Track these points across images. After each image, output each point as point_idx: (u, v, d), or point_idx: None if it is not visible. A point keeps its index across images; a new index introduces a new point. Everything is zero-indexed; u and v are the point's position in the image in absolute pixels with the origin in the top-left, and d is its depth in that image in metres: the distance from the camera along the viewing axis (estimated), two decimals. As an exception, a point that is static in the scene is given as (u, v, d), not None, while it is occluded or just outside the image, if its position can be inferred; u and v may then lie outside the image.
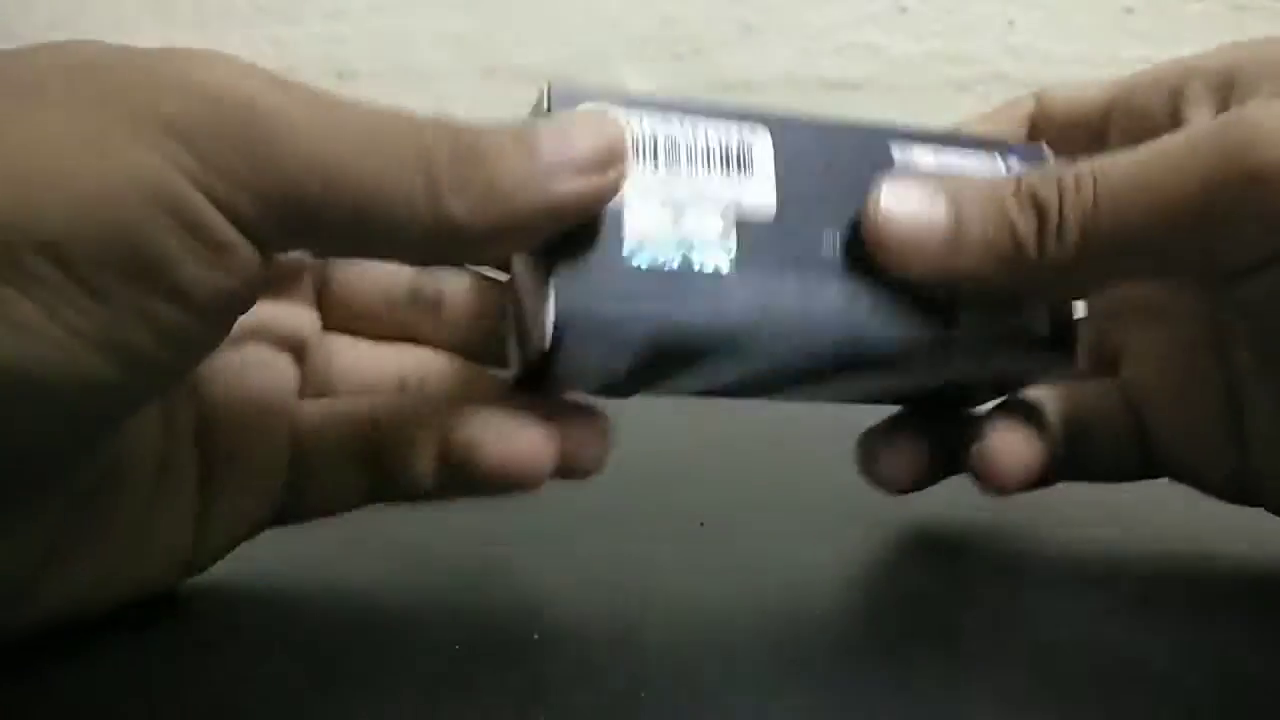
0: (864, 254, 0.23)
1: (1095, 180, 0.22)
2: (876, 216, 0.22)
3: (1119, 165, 0.22)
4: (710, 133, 0.23)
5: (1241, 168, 0.20)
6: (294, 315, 0.25)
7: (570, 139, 0.19)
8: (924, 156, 0.25)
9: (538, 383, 0.23)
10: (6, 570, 0.18)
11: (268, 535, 0.24)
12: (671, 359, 0.22)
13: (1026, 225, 0.22)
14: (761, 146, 0.23)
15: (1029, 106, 0.28)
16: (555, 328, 0.21)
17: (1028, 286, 0.23)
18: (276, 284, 0.25)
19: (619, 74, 0.62)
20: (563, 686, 0.20)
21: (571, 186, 0.19)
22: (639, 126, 0.23)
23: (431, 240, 0.18)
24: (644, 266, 0.22)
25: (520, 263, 0.24)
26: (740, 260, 0.22)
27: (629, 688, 0.20)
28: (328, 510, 0.24)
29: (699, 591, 0.25)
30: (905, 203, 0.22)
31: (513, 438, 0.22)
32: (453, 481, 0.23)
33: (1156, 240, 0.22)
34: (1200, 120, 0.24)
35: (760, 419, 0.41)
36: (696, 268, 0.22)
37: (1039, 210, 0.22)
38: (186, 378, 0.21)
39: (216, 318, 0.18)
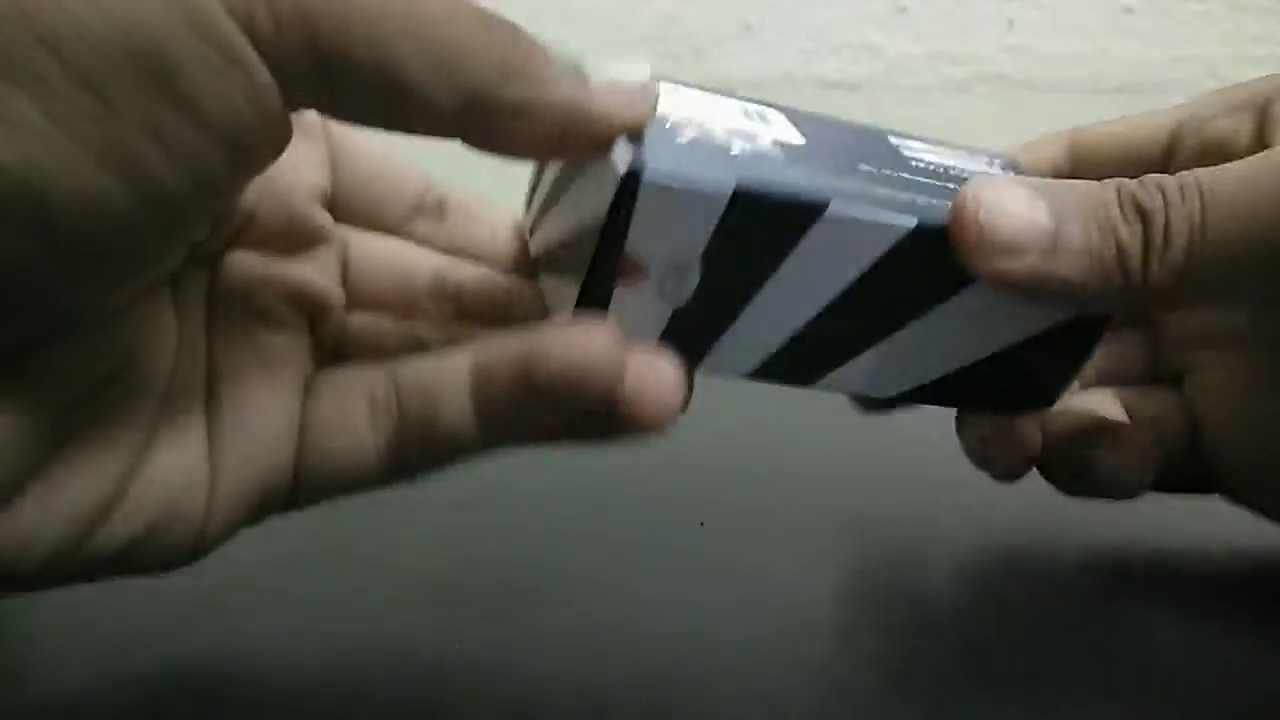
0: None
1: (1202, 193, 0.20)
2: (976, 214, 0.21)
3: (1227, 179, 0.20)
4: (732, 102, 0.24)
5: None
6: (318, 276, 0.23)
7: (616, 82, 0.19)
8: (919, 145, 0.25)
9: (601, 288, 0.21)
10: None
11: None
12: (744, 242, 0.20)
13: (1131, 235, 0.21)
14: (776, 116, 0.24)
15: (1062, 145, 0.27)
16: (627, 178, 0.19)
17: (1123, 298, 0.22)
18: (299, 249, 0.23)
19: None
20: (563, 688, 0.20)
21: (607, 100, 0.19)
22: (671, 87, 0.23)
23: (460, 112, 0.18)
24: (705, 146, 0.21)
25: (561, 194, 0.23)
26: (790, 157, 0.22)
27: (629, 689, 0.20)
28: (345, 481, 0.22)
29: (699, 592, 0.25)
30: (1004, 202, 0.21)
31: (585, 335, 0.19)
32: (496, 415, 0.20)
33: (1269, 263, 0.20)
34: None
35: (761, 419, 0.41)
36: (754, 150, 0.21)
37: (1144, 219, 0.21)
38: (199, 227, 0.19)
39: (232, 150, 0.16)
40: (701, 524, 0.30)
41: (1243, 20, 0.60)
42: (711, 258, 0.21)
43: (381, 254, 0.25)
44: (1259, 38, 0.60)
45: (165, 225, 0.17)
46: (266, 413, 0.21)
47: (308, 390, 0.22)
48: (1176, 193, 0.20)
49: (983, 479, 0.29)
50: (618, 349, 0.19)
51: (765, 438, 0.39)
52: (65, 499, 0.18)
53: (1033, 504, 0.31)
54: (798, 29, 0.62)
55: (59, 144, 0.15)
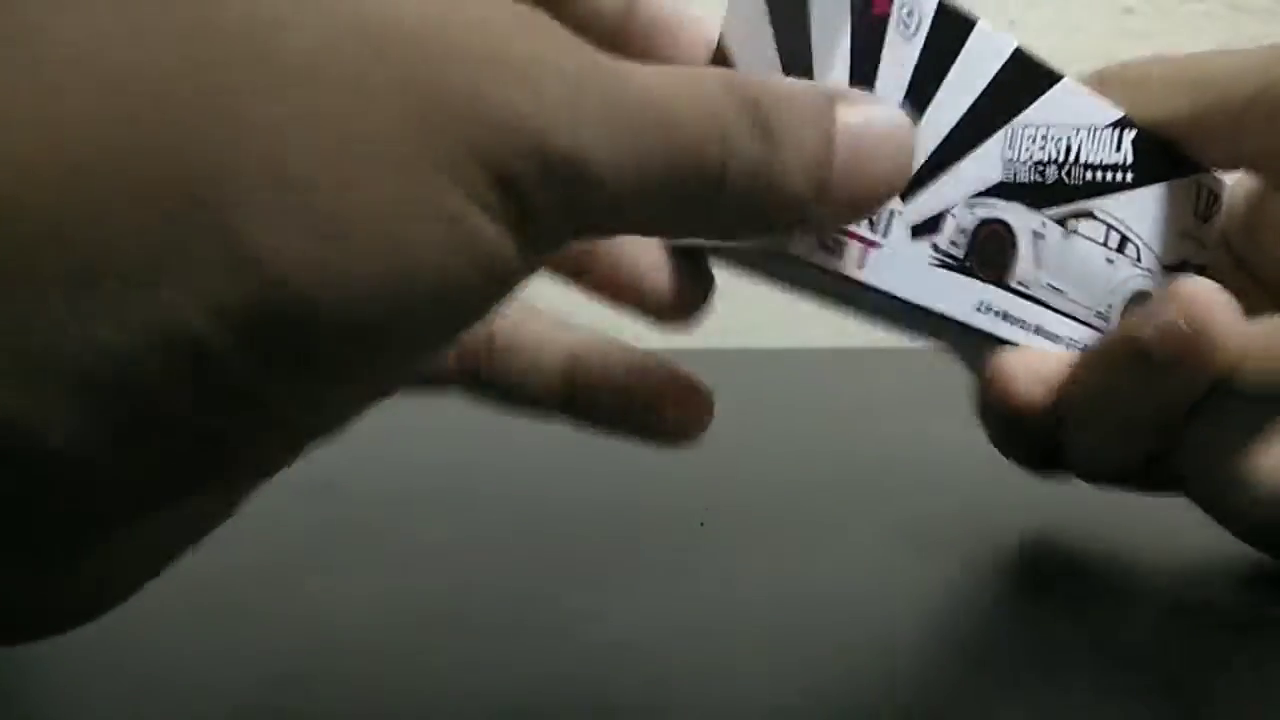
0: None
1: None
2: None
3: None
4: None
5: None
6: None
7: (861, 182, 0.17)
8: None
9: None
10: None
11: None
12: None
13: None
14: None
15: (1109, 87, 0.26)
16: None
17: None
18: None
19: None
20: (562, 687, 0.20)
21: (833, 214, 0.17)
22: None
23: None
24: None
25: None
26: None
27: (629, 689, 0.20)
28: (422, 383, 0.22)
29: (699, 592, 0.25)
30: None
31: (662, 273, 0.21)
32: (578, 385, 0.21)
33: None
34: None
35: (761, 420, 0.41)
36: None
37: None
38: None
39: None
40: (701, 524, 0.30)
41: (1243, 20, 0.60)
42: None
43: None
44: (1259, 38, 0.60)
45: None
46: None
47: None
48: None
49: (985, 479, 0.30)
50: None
51: (765, 438, 0.39)
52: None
53: (1032, 503, 0.31)
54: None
55: (344, 401, 0.15)
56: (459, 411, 0.33)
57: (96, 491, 0.13)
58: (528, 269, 0.15)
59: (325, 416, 0.15)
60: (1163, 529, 0.30)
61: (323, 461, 0.34)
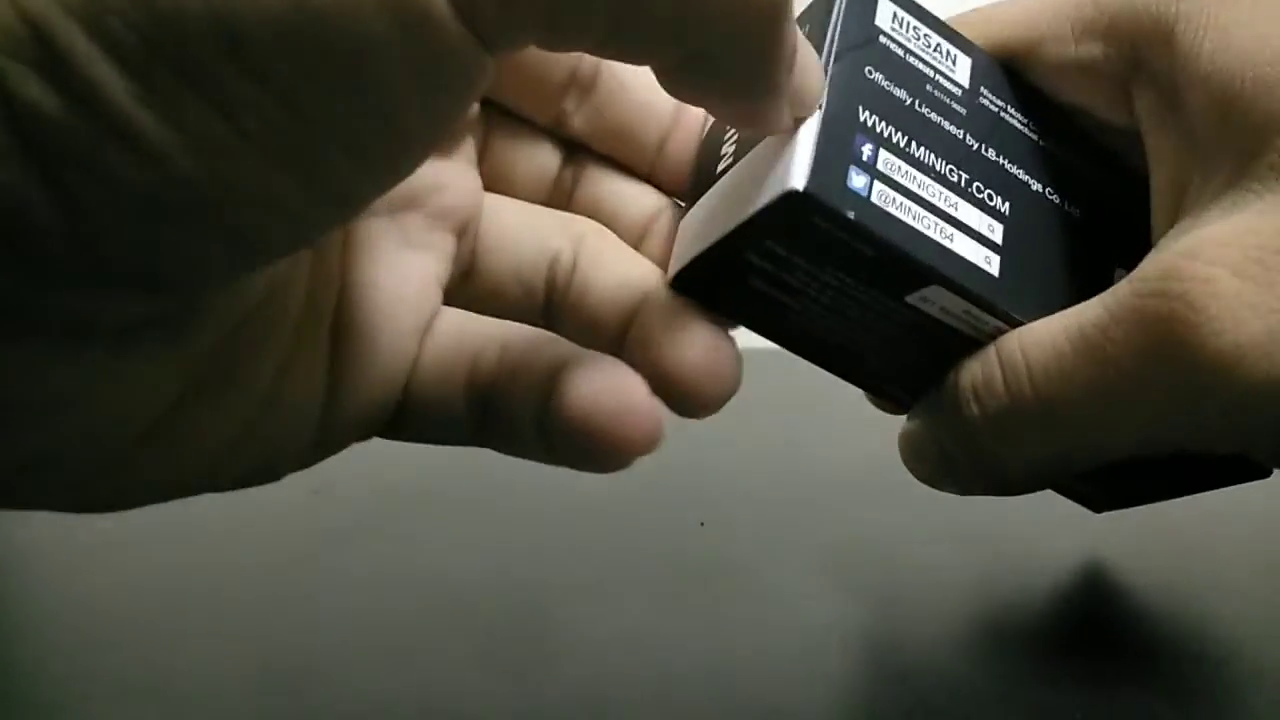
0: None
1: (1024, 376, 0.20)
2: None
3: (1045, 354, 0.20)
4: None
5: (1186, 381, 0.18)
6: (460, 178, 0.21)
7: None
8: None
9: (723, 260, 0.20)
10: (142, 403, 0.16)
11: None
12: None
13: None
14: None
15: None
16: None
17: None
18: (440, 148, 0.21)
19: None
20: (563, 687, 0.20)
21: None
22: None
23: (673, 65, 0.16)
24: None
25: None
26: None
27: (629, 688, 0.20)
28: (433, 435, 0.22)
29: (699, 592, 0.25)
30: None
31: (606, 382, 0.18)
32: (550, 436, 0.19)
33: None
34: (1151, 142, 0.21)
35: (761, 420, 0.41)
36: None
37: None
38: (372, 206, 0.18)
39: (424, 142, 0.15)
40: (702, 524, 0.30)
41: None
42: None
43: (508, 223, 0.22)
44: None
45: (343, 217, 0.16)
46: (385, 352, 0.20)
47: (429, 327, 0.21)
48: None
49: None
50: (639, 402, 0.19)
51: (765, 438, 0.39)
52: (199, 441, 0.17)
53: (1034, 503, 0.31)
54: (798, 29, 0.62)
55: (237, 149, 0.13)
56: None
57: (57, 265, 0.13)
58: (468, 52, 0.14)
59: (252, 209, 0.14)
60: (1159, 530, 0.30)
61: (322, 463, 0.34)
